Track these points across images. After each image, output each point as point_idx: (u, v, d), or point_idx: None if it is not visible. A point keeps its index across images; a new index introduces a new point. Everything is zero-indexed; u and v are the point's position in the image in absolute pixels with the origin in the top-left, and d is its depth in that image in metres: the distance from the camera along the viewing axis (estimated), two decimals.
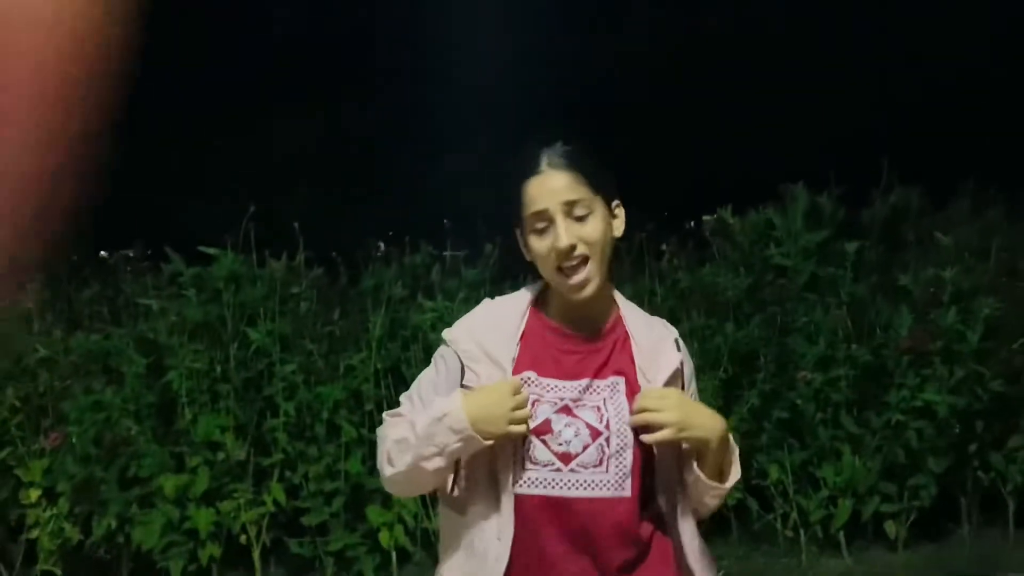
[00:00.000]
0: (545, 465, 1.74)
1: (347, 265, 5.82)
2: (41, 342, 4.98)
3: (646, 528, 1.80)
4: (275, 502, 4.75)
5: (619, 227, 1.86)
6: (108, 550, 4.84)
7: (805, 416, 4.72)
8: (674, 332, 1.97)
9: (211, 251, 4.95)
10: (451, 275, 5.38)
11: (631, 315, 1.90)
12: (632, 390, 1.80)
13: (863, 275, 5.05)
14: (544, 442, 1.74)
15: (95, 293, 5.70)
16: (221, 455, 4.72)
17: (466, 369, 1.82)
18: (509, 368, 1.79)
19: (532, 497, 1.74)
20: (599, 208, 1.80)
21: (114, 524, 4.67)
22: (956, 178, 5.89)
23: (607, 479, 1.74)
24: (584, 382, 1.79)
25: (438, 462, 1.74)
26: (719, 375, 4.88)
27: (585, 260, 1.77)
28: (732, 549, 5.01)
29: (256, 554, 4.83)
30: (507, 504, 1.75)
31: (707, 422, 1.80)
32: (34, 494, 4.71)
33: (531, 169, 1.81)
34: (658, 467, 1.80)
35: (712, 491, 1.84)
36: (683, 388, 1.91)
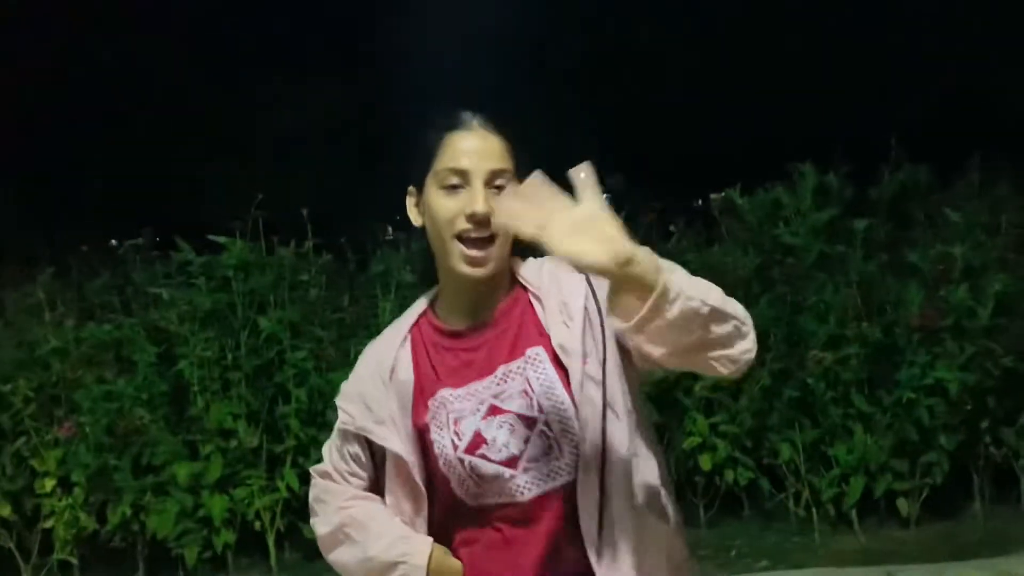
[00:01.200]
0: (496, 478, 1.54)
1: (356, 251, 5.82)
2: (53, 332, 4.99)
3: (610, 511, 1.54)
4: (288, 488, 4.76)
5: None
6: (123, 538, 4.86)
7: (816, 395, 4.70)
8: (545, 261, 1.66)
9: (220, 240, 4.95)
10: None
11: (528, 272, 1.65)
12: (553, 355, 1.56)
13: (872, 253, 5.01)
14: (483, 456, 1.55)
15: (105, 283, 5.70)
16: (234, 442, 4.74)
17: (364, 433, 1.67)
18: (406, 412, 1.62)
19: (491, 507, 1.58)
20: (514, 185, 1.54)
21: (129, 512, 4.69)
22: (964, 154, 5.83)
23: (565, 463, 1.53)
24: (500, 371, 1.58)
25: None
26: None
27: (492, 239, 1.54)
28: (744, 528, 5.02)
29: (270, 540, 4.85)
30: (471, 521, 1.61)
31: (604, 244, 1.32)
32: (49, 484, 4.73)
33: (459, 122, 1.60)
34: (618, 430, 1.53)
35: (649, 332, 1.38)
36: (600, 298, 1.56)
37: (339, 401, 1.73)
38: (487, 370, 1.60)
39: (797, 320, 4.82)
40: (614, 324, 1.43)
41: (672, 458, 5.08)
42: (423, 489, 1.61)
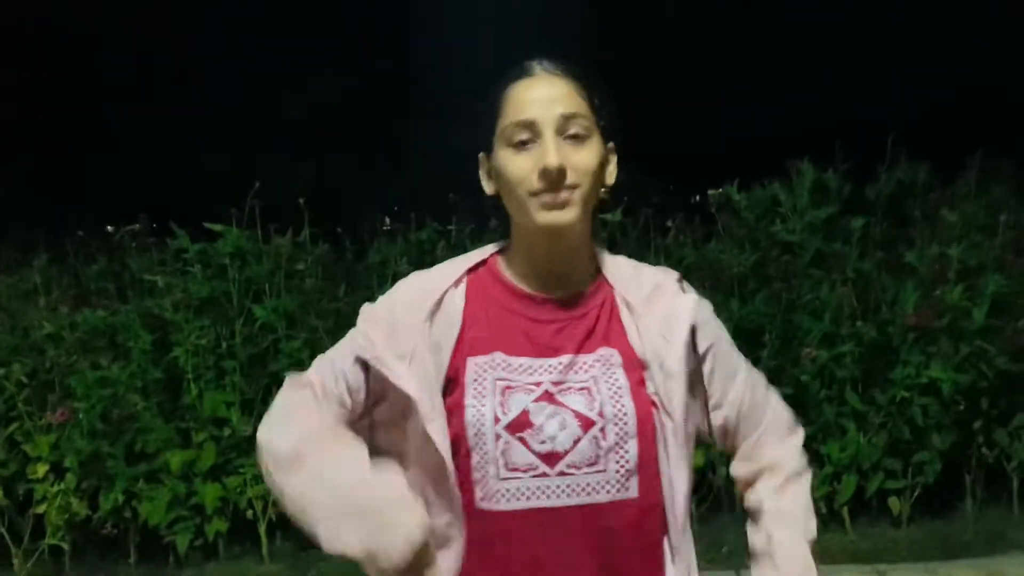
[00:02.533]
0: (526, 471, 1.35)
1: (352, 240, 5.81)
2: (47, 318, 4.98)
3: (655, 536, 1.45)
4: None
5: (611, 173, 1.48)
6: (115, 525, 4.85)
7: (810, 392, 4.71)
8: (674, 274, 1.53)
9: (216, 227, 4.94)
10: (457, 250, 5.35)
11: (617, 270, 1.51)
12: (629, 363, 1.41)
13: (869, 251, 5.03)
14: (523, 440, 1.35)
15: (101, 269, 5.69)
16: (227, 431, 4.73)
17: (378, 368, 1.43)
18: (440, 366, 1.41)
19: (507, 513, 1.36)
20: (596, 137, 1.42)
21: (121, 499, 4.68)
22: (962, 153, 5.83)
23: (606, 479, 1.37)
24: (566, 359, 1.41)
25: (318, 531, 1.39)
26: None
27: (570, 188, 1.38)
28: (737, 525, 5.00)
29: (262, 529, 4.85)
30: (466, 527, 1.40)
31: None
32: (41, 469, 4.72)
33: (519, 72, 1.44)
34: (668, 461, 1.42)
35: None
36: (704, 347, 1.47)
37: (362, 321, 1.49)
38: (552, 351, 1.41)
39: (792, 317, 4.82)
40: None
41: None
42: (444, 449, 1.36)
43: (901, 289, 4.80)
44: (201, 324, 4.81)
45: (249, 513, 4.82)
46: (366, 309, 1.51)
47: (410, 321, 1.43)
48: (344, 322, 4.97)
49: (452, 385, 1.40)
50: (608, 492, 1.37)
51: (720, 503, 5.11)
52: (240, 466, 4.75)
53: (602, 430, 1.36)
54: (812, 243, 4.97)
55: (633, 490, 1.39)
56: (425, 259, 5.32)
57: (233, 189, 5.13)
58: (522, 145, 1.39)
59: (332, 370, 1.48)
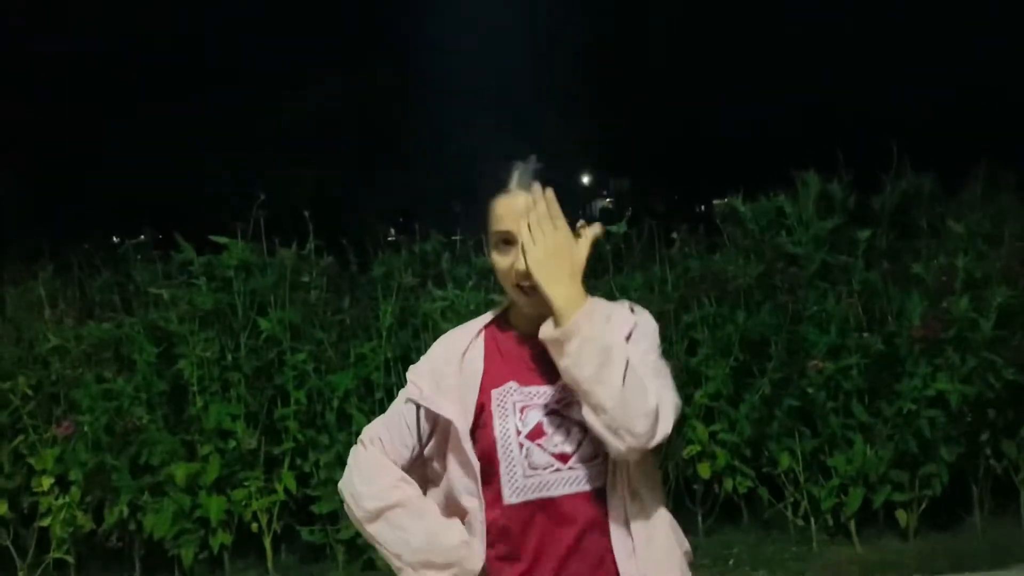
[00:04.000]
0: (546, 468, 1.79)
1: (357, 252, 5.81)
2: (53, 330, 4.98)
3: (647, 497, 1.84)
4: (286, 490, 4.76)
5: (584, 246, 1.81)
6: (120, 538, 4.86)
7: (816, 404, 4.70)
8: (627, 303, 1.96)
9: (221, 240, 4.94)
10: (461, 262, 5.36)
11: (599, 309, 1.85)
12: None
13: (874, 262, 5.02)
14: (540, 446, 1.79)
15: (106, 281, 5.69)
16: (232, 443, 4.73)
17: (426, 409, 1.88)
18: (470, 396, 1.85)
19: (530, 504, 1.80)
20: (555, 227, 1.77)
21: (126, 512, 4.69)
22: (968, 164, 5.82)
23: (604, 469, 1.79)
24: (560, 383, 1.78)
25: (405, 572, 1.85)
26: (730, 363, 4.86)
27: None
28: (743, 536, 5.01)
29: (267, 542, 4.85)
30: (493, 518, 1.83)
31: (562, 288, 1.73)
32: (46, 482, 4.72)
33: (500, 187, 1.84)
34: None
35: (553, 348, 1.73)
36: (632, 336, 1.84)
37: (410, 375, 1.92)
38: (551, 380, 1.82)
39: (798, 329, 4.81)
40: (549, 335, 1.74)
41: (671, 466, 5.08)
42: (474, 460, 1.81)
43: (907, 300, 4.78)
44: (206, 336, 4.81)
45: (254, 526, 4.82)
46: (412, 368, 1.95)
47: (446, 369, 1.88)
48: (348, 334, 5.01)
49: (481, 412, 1.84)
50: (603, 479, 1.79)
51: (726, 515, 5.11)
52: (245, 479, 4.75)
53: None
54: (818, 254, 4.96)
55: (624, 475, 1.80)
56: (429, 270, 5.32)
57: (238, 202, 5.13)
58: (504, 247, 1.83)
59: (392, 423, 1.93)
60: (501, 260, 1.84)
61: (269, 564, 4.88)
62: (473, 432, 1.83)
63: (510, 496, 1.80)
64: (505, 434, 1.80)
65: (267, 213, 5.08)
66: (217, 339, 4.85)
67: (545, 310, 1.75)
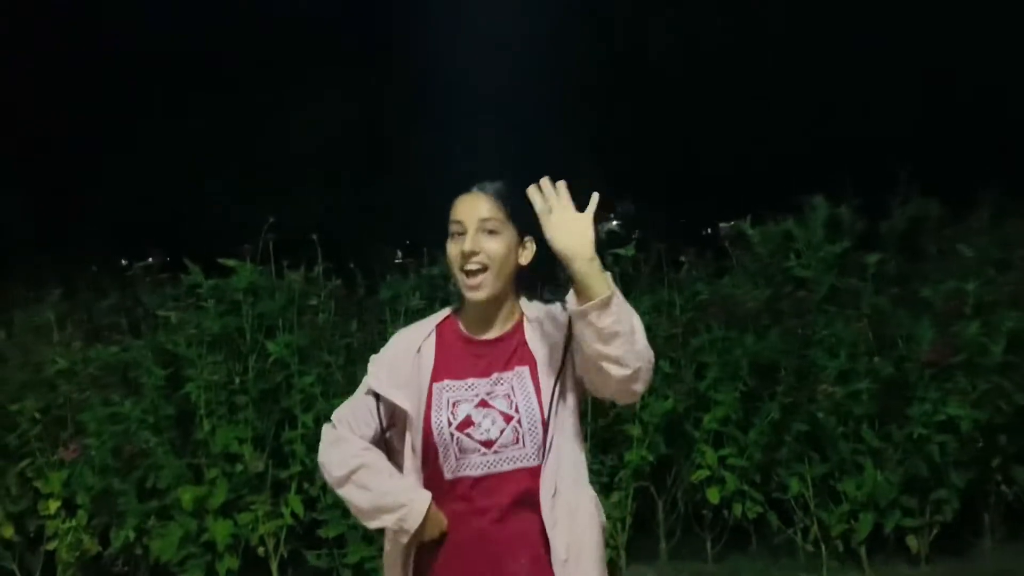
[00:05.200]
0: (473, 452, 2.12)
1: (365, 276, 5.80)
2: (60, 353, 4.98)
3: (560, 489, 2.13)
4: (293, 514, 4.73)
5: (526, 257, 2.20)
6: (126, 562, 4.84)
7: (826, 429, 4.67)
8: (559, 303, 2.22)
9: (230, 263, 4.94)
10: None
11: (532, 312, 2.24)
12: (534, 374, 2.17)
13: (883, 287, 5.00)
14: (468, 435, 2.12)
15: (114, 304, 5.69)
16: (239, 467, 4.71)
17: (382, 397, 2.22)
18: (421, 386, 2.18)
19: (464, 479, 2.14)
20: (508, 233, 2.15)
21: (132, 536, 4.67)
22: (976, 188, 5.80)
23: (524, 453, 2.12)
24: (494, 376, 2.17)
25: (371, 523, 2.20)
26: (739, 387, 4.84)
27: (484, 269, 2.14)
28: (752, 563, 4.97)
29: (274, 566, 4.81)
30: (440, 492, 2.16)
31: (575, 239, 1.99)
32: (53, 505, 4.71)
33: (463, 189, 2.20)
34: (559, 440, 2.14)
35: (585, 322, 1.97)
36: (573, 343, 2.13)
37: (371, 366, 2.26)
38: (485, 372, 2.18)
39: (807, 353, 4.80)
40: (569, 303, 2.01)
41: (680, 491, 5.06)
42: (418, 445, 2.16)
43: (917, 325, 4.77)
44: (214, 360, 4.80)
45: (261, 550, 4.79)
46: (373, 358, 2.28)
47: (402, 362, 2.23)
48: (356, 357, 4.99)
49: (427, 401, 2.17)
50: (526, 461, 2.13)
51: (735, 541, 5.07)
52: (252, 503, 4.72)
53: (519, 421, 2.13)
54: (826, 278, 4.95)
55: (540, 458, 2.13)
56: (437, 294, 5.31)
57: (246, 225, 5.13)
58: (457, 236, 2.17)
59: (357, 409, 2.27)
60: (452, 247, 2.16)
61: None
62: (424, 418, 2.16)
63: (447, 474, 2.15)
64: (439, 426, 2.13)
65: (275, 236, 5.08)
66: (225, 362, 4.83)
67: (480, 299, 2.15)
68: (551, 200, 2.02)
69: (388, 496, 2.15)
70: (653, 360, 2.07)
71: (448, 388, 2.17)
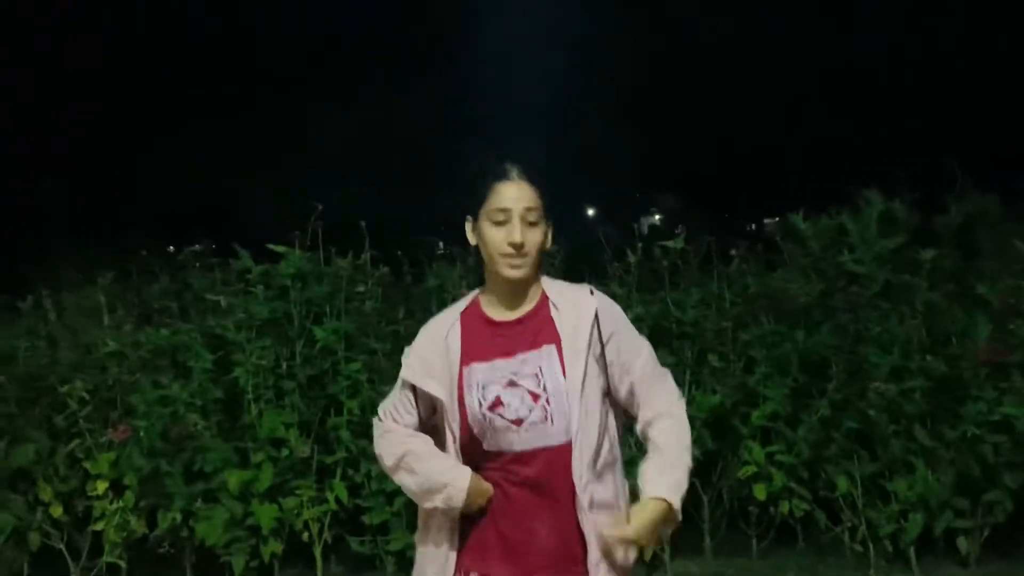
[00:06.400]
0: (506, 430, 2.21)
1: (411, 264, 5.78)
2: (111, 335, 5.00)
3: (584, 463, 2.21)
4: (337, 500, 4.73)
5: (548, 242, 2.33)
6: (172, 544, 4.86)
7: (877, 427, 4.58)
8: (587, 287, 2.38)
9: (279, 249, 4.94)
10: None
11: (555, 292, 2.35)
12: (562, 352, 2.25)
13: (938, 283, 4.88)
14: (500, 415, 2.21)
15: (164, 288, 5.72)
16: (285, 452, 4.72)
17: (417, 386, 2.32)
18: (452, 372, 2.28)
19: (501, 454, 2.23)
20: (543, 223, 2.28)
21: (178, 518, 4.69)
22: None
23: (554, 430, 2.20)
24: (520, 356, 2.26)
25: (425, 503, 2.31)
26: (788, 383, 4.76)
27: (525, 255, 2.25)
28: (798, 560, 4.89)
29: (317, 551, 4.82)
30: (486, 465, 2.26)
31: (661, 524, 2.22)
32: (101, 486, 4.74)
33: (504, 174, 2.27)
34: (588, 419, 2.22)
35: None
36: (607, 333, 2.31)
37: (404, 359, 2.38)
38: (511, 352, 2.27)
39: (859, 350, 4.70)
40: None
41: (726, 487, 4.99)
42: (456, 427, 2.27)
43: (972, 323, 4.66)
44: (262, 344, 4.81)
45: (305, 535, 4.79)
46: (406, 350, 2.40)
47: (431, 352, 2.32)
48: (402, 345, 4.95)
49: (459, 385, 2.27)
50: (556, 438, 2.21)
51: (781, 539, 5.00)
52: (296, 487, 4.73)
53: (547, 400, 2.21)
54: (880, 274, 4.84)
55: (570, 435, 2.21)
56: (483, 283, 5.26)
57: (288, 211, 5.13)
58: (499, 224, 2.25)
59: (398, 402, 2.38)
60: (496, 233, 2.25)
61: (319, 574, 4.85)
62: (458, 402, 2.26)
63: (486, 446, 2.24)
64: (472, 407, 2.23)
65: (324, 224, 5.07)
66: (273, 348, 4.84)
67: (518, 279, 2.26)
68: (633, 549, 2.28)
69: (432, 478, 2.26)
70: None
71: (476, 371, 2.26)
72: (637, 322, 4.91)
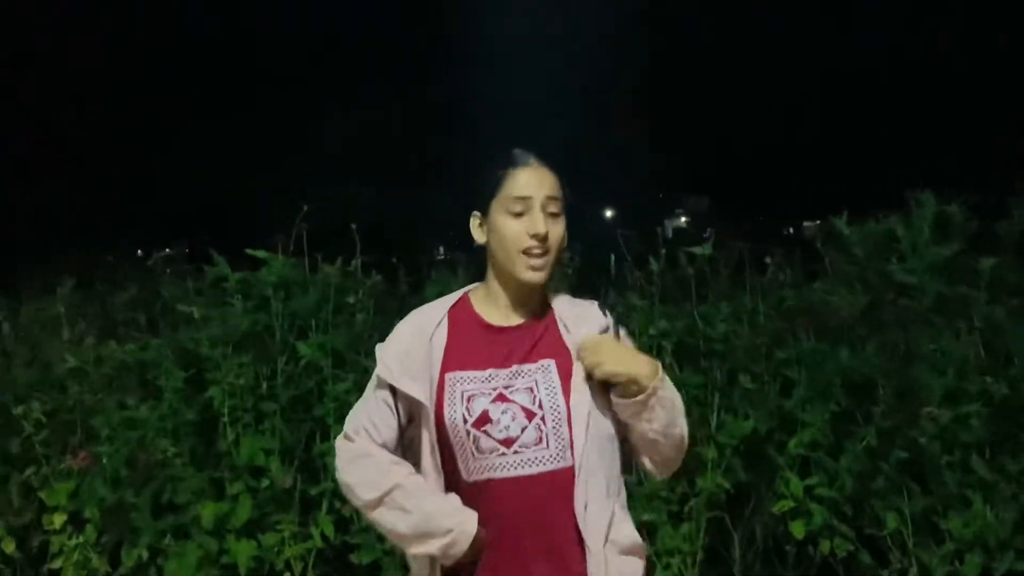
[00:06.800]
0: (491, 452, 2.14)
1: (408, 271, 5.79)
2: (71, 351, 5.01)
3: (591, 495, 2.15)
4: (323, 536, 4.73)
5: (566, 241, 2.29)
6: None
7: (929, 458, 4.55)
8: (595, 303, 2.36)
9: (259, 254, 4.94)
10: None
11: (560, 304, 2.34)
12: (562, 369, 2.21)
13: (999, 296, 4.87)
14: (486, 432, 2.14)
15: (131, 298, 5.72)
16: (265, 482, 4.72)
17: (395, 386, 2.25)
18: (433, 377, 2.21)
19: (485, 482, 2.15)
20: (563, 216, 2.25)
21: (145, 555, 4.69)
22: None
23: (549, 455, 2.14)
24: (515, 367, 2.21)
25: (414, 549, 2.20)
26: (830, 407, 4.74)
27: (546, 252, 2.21)
28: None
29: None
30: (464, 494, 2.18)
31: (637, 362, 2.20)
32: (59, 519, 4.74)
33: (520, 160, 2.24)
34: (591, 444, 2.17)
35: (634, 408, 2.19)
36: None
37: (380, 356, 2.30)
38: (505, 363, 2.21)
39: (910, 371, 4.68)
40: (614, 398, 2.21)
41: (759, 523, 4.97)
42: (435, 441, 2.19)
43: None
44: (240, 361, 4.81)
45: (287, 575, 4.78)
46: (380, 347, 2.33)
47: (413, 350, 2.25)
48: None
49: (439, 394, 2.20)
50: (551, 463, 2.15)
51: None
52: (278, 522, 4.73)
53: (542, 418, 2.15)
54: (934, 285, 4.82)
55: (567, 460, 2.16)
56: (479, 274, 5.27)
57: (279, 213, 5.14)
58: (518, 214, 2.20)
59: (374, 408, 2.30)
60: (513, 225, 2.20)
61: None
62: (436, 414, 2.19)
63: (465, 476, 2.17)
64: (453, 422, 2.16)
65: (310, 227, 5.07)
66: (252, 365, 4.84)
67: (535, 282, 2.23)
68: (598, 353, 2.20)
69: (433, 520, 2.15)
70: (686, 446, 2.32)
71: (462, 380, 2.19)
72: (660, 338, 4.94)
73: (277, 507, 4.75)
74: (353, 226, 5.17)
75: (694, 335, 5.03)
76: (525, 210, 2.19)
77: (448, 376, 2.20)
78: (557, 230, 2.22)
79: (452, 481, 2.19)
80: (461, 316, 2.30)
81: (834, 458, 4.75)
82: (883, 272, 4.96)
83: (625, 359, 2.19)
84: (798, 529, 4.74)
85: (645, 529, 4.68)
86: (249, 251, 4.98)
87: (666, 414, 2.21)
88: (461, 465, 2.17)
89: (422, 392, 2.19)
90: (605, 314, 2.32)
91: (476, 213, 2.29)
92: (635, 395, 2.16)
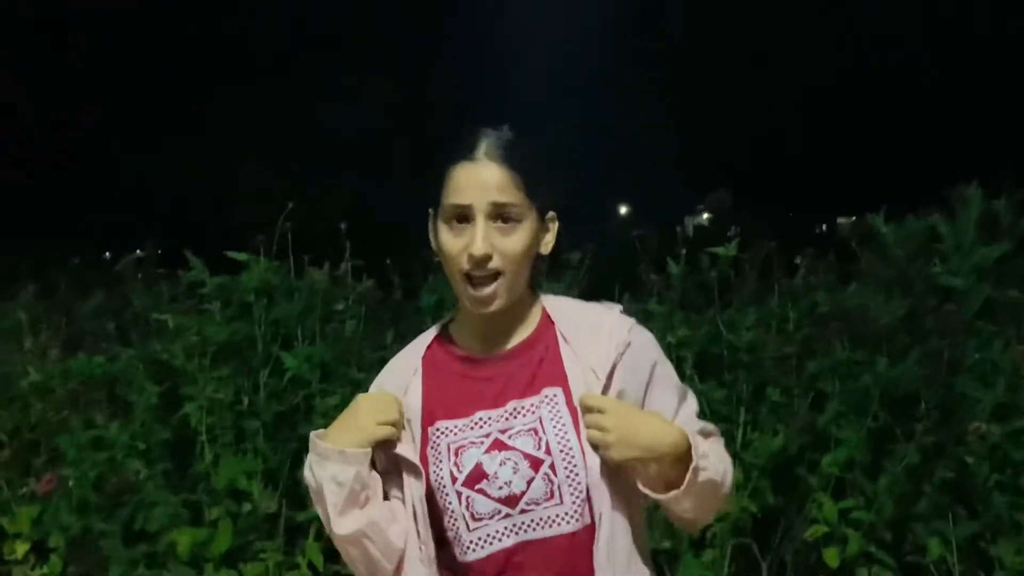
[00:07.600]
0: (492, 516, 1.86)
1: (402, 276, 5.79)
2: (33, 364, 5.02)
3: (616, 565, 1.87)
4: (310, 565, 4.73)
5: (548, 243, 2.01)
6: None
7: (977, 478, 4.56)
8: (615, 308, 2.06)
9: (239, 256, 4.95)
10: None
11: (562, 314, 2.03)
12: (572, 398, 1.91)
13: None
14: (482, 491, 1.87)
15: (98, 305, 5.74)
16: (247, 506, 4.73)
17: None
18: (415, 419, 1.98)
19: (483, 560, 1.88)
20: (529, 219, 1.92)
21: None
22: None
23: (564, 512, 1.86)
24: (511, 405, 1.92)
25: (342, 505, 1.93)
26: (867, 423, 4.75)
27: (497, 275, 1.89)
28: None
29: None
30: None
31: (653, 440, 1.86)
32: (20, 548, 4.75)
33: (464, 153, 1.90)
34: (613, 494, 1.88)
35: (662, 503, 1.92)
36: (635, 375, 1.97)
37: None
38: (498, 402, 1.93)
39: (955, 383, 4.69)
40: (647, 492, 1.90)
41: (789, 551, 4.98)
42: (427, 508, 1.92)
43: None
44: (218, 375, 4.82)
45: None
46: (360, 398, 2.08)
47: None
48: None
49: (422, 452, 1.95)
50: (567, 524, 1.85)
51: None
52: (261, 550, 4.74)
53: (551, 466, 1.86)
54: (981, 290, 4.84)
55: (587, 517, 1.86)
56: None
57: (261, 212, 5.15)
58: (457, 224, 1.89)
59: None
60: (453, 241, 1.90)
61: None
62: (423, 475, 1.94)
63: (460, 555, 1.90)
64: (440, 482, 1.90)
65: (295, 227, 5.07)
66: (232, 378, 4.86)
67: (491, 313, 1.92)
68: (602, 426, 1.86)
69: (310, 473, 2.06)
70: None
71: (446, 431, 1.94)
72: (680, 348, 4.95)
73: (260, 534, 4.77)
74: (342, 226, 5.18)
75: (717, 344, 5.05)
76: (464, 217, 1.89)
77: (431, 430, 1.95)
78: (509, 243, 1.88)
79: (445, 557, 1.95)
80: (438, 356, 2.04)
81: (872, 479, 4.76)
82: (925, 275, 4.97)
83: (640, 436, 1.85)
84: (832, 557, 4.75)
85: (664, 558, 4.69)
86: (228, 253, 4.99)
87: (706, 499, 1.95)
88: (454, 543, 1.91)
89: (410, 451, 1.95)
90: (629, 331, 2.00)
91: (431, 212, 2.00)
92: (660, 487, 1.89)
